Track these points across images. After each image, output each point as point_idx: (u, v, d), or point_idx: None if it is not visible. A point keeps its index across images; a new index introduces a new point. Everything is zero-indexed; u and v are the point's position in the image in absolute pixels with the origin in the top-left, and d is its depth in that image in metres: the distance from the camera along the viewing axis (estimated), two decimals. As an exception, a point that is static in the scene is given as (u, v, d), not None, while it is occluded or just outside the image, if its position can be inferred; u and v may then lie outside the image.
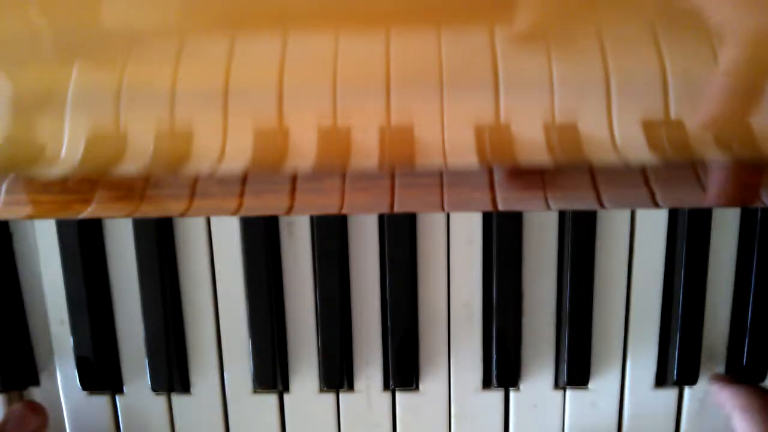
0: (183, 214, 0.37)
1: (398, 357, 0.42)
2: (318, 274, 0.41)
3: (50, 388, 0.45)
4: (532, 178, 0.34)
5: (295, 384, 0.44)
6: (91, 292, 0.42)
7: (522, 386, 0.44)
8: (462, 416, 0.44)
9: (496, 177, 0.34)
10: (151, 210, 0.36)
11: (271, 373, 0.42)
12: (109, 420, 0.45)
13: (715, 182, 0.34)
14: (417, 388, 0.44)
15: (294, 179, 0.35)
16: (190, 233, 0.42)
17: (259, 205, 0.36)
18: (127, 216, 0.40)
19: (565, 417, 0.44)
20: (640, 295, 0.42)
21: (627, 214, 0.41)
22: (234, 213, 0.36)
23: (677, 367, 0.42)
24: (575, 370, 0.42)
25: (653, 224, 0.41)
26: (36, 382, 0.45)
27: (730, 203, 0.37)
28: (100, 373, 0.43)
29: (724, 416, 0.41)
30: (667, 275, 0.42)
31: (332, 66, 0.31)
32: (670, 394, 0.43)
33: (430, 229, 0.42)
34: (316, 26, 0.31)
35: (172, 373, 0.43)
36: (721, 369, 0.43)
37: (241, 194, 0.35)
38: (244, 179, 0.35)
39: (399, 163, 0.33)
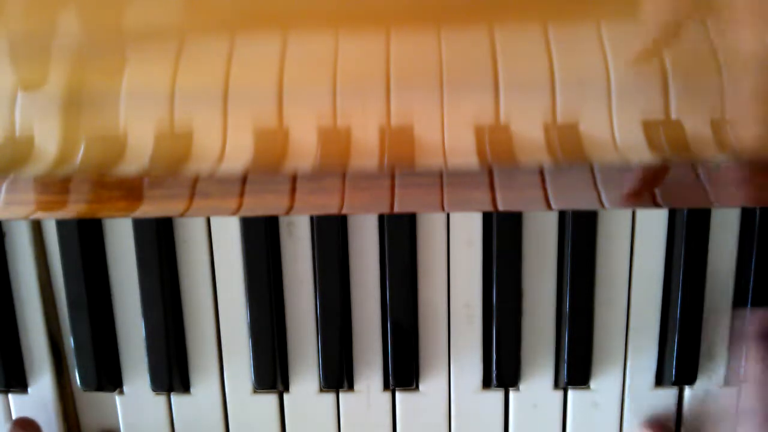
0: (183, 214, 0.37)
1: (398, 357, 0.42)
2: (318, 274, 0.41)
3: (46, 389, 0.45)
4: (532, 177, 0.34)
5: (295, 384, 0.44)
6: (91, 292, 0.42)
7: (522, 386, 0.44)
8: (462, 416, 0.44)
9: (496, 177, 0.34)
10: (151, 210, 0.36)
11: (271, 373, 0.42)
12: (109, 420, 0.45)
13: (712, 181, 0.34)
14: (417, 388, 0.44)
15: (294, 179, 0.35)
16: (190, 233, 0.42)
17: (259, 205, 0.36)
18: (127, 216, 0.40)
19: (566, 417, 0.44)
20: (640, 295, 0.42)
21: (627, 214, 0.41)
22: (234, 213, 0.36)
23: (675, 366, 0.42)
24: (576, 370, 0.42)
25: (653, 224, 0.41)
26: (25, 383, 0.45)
27: (729, 203, 0.37)
28: (100, 373, 0.43)
29: (723, 417, 0.41)
30: (667, 275, 0.42)
31: (332, 66, 0.31)
32: (670, 393, 0.43)
33: (430, 229, 0.42)
34: (317, 26, 0.31)
35: (172, 373, 0.43)
36: (721, 369, 0.43)
37: (241, 194, 0.35)
38: (244, 179, 0.35)
39: (399, 163, 0.33)
